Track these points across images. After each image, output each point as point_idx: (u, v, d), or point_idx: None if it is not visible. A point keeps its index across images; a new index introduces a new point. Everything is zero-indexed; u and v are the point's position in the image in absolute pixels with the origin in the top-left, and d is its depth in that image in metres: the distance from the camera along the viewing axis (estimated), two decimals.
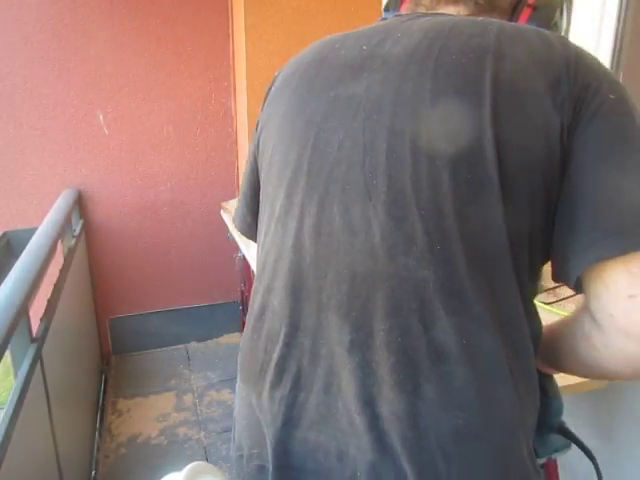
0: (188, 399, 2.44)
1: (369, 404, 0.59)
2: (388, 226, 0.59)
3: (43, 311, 1.51)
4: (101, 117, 2.48)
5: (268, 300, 0.68)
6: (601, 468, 1.60)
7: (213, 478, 0.67)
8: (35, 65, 2.32)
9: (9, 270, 1.38)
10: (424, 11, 0.72)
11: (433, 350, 0.58)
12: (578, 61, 0.59)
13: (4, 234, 2.31)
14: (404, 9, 0.76)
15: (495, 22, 0.64)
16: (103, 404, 2.39)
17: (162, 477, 0.69)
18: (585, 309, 0.60)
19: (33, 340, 1.34)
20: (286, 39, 2.36)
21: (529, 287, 0.62)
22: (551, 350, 0.71)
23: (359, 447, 0.60)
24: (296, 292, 0.65)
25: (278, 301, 0.67)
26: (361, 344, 0.60)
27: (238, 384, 0.75)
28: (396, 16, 0.73)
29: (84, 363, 2.23)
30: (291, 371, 0.65)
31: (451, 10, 0.72)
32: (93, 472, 1.95)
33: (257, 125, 0.78)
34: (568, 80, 0.58)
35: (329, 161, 0.63)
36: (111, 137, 2.52)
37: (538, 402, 0.64)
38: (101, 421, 2.26)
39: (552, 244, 0.60)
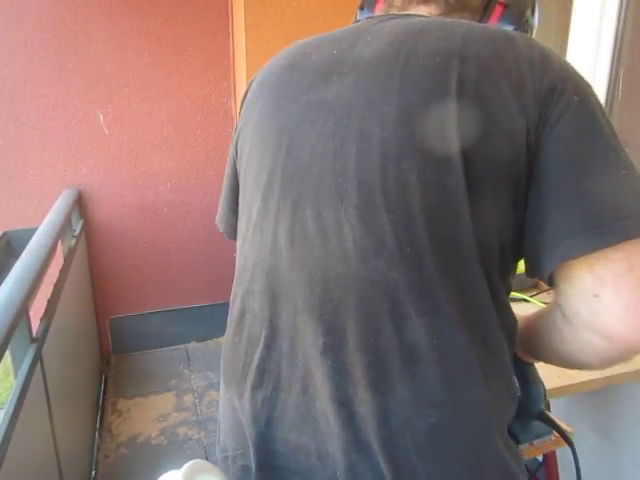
0: (188, 399, 2.44)
1: (344, 405, 0.61)
2: (359, 229, 0.60)
3: (43, 311, 1.51)
4: (101, 117, 2.48)
5: (247, 304, 0.70)
6: (601, 468, 1.60)
7: (212, 476, 0.67)
8: (35, 65, 2.32)
9: (9, 270, 1.38)
10: (396, 12, 0.73)
11: (405, 351, 0.59)
12: (543, 62, 0.59)
13: (4, 234, 2.31)
14: (378, 10, 0.76)
15: (463, 24, 0.64)
16: (103, 404, 2.39)
17: (161, 475, 0.69)
18: (557, 304, 0.62)
19: (33, 340, 1.34)
20: (286, 39, 2.36)
21: (501, 285, 0.63)
22: (528, 340, 0.73)
23: (337, 447, 0.62)
24: (274, 296, 0.66)
25: (258, 304, 0.68)
26: (334, 346, 0.61)
27: (221, 387, 0.76)
28: (368, 18, 0.73)
29: (84, 363, 2.23)
30: (272, 373, 0.66)
31: (422, 10, 0.72)
32: (93, 472, 1.95)
33: (235, 129, 0.79)
34: (533, 82, 0.58)
35: (302, 166, 0.64)
36: (111, 137, 2.52)
37: (515, 393, 0.66)
38: (101, 421, 2.26)
39: (523, 242, 0.61)
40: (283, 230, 0.65)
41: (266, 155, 0.68)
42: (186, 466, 0.65)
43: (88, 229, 2.58)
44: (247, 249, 0.70)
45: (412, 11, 0.72)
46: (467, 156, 0.57)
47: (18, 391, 1.14)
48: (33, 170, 2.43)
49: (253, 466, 0.67)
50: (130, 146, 2.56)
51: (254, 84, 0.77)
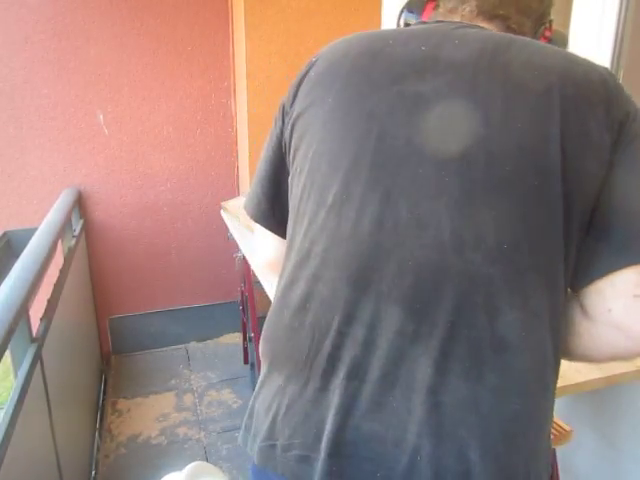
0: (188, 399, 2.44)
1: (432, 392, 0.62)
2: (458, 223, 0.62)
3: (43, 311, 1.51)
4: (101, 117, 2.48)
5: (314, 289, 0.68)
6: (601, 468, 1.60)
7: (213, 478, 0.67)
8: (35, 65, 2.32)
9: (9, 270, 1.38)
10: (461, 21, 0.76)
11: (496, 342, 0.62)
12: (618, 88, 0.66)
13: (4, 234, 2.31)
14: (427, 14, 0.80)
15: (546, 45, 0.71)
16: (103, 404, 2.39)
17: (162, 477, 0.69)
18: (576, 300, 0.67)
19: (33, 340, 1.34)
20: (286, 39, 2.36)
21: (566, 288, 0.67)
22: None
23: (419, 434, 0.62)
24: (352, 282, 0.66)
25: (329, 290, 0.67)
26: (425, 335, 0.62)
27: (268, 374, 0.74)
28: (441, 22, 0.76)
29: (84, 363, 2.23)
30: (344, 361, 0.65)
31: (486, 26, 0.76)
32: (93, 472, 1.95)
33: (286, 111, 0.77)
34: (615, 104, 0.64)
35: (397, 154, 0.65)
36: (111, 137, 2.52)
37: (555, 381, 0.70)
38: (101, 421, 2.26)
39: (579, 249, 0.65)
40: (369, 217, 0.65)
41: (349, 139, 0.68)
42: (187, 468, 0.65)
43: (88, 229, 2.58)
44: (316, 233, 0.69)
45: (479, 24, 0.76)
46: (566, 167, 0.62)
47: (18, 391, 1.14)
48: (33, 170, 2.43)
49: (320, 455, 0.66)
50: (130, 146, 2.56)
51: (318, 66, 0.75)
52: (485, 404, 0.62)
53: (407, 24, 0.82)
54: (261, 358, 0.77)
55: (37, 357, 1.31)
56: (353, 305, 0.66)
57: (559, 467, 1.40)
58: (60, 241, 1.85)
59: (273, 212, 0.81)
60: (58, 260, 1.83)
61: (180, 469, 0.66)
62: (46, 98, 2.38)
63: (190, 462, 0.70)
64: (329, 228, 0.68)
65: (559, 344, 0.66)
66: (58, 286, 1.72)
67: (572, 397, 1.52)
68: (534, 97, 0.63)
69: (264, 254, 0.86)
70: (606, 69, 0.68)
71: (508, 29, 0.76)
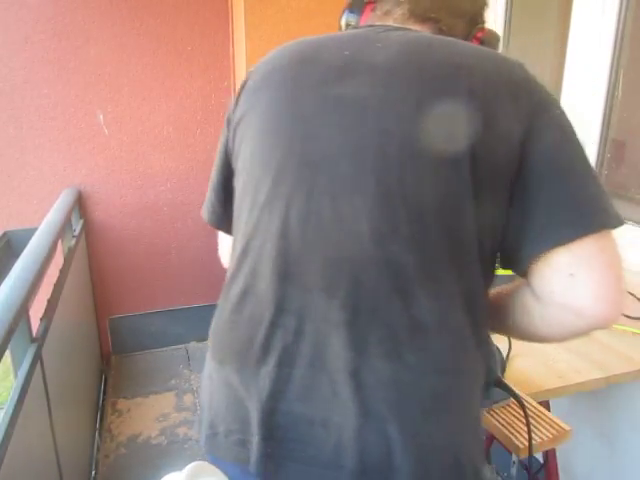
0: (188, 399, 2.44)
1: (355, 375, 0.66)
2: (376, 216, 0.66)
3: (43, 311, 1.51)
4: (101, 117, 2.48)
5: (252, 284, 0.73)
6: (601, 468, 1.60)
7: (213, 478, 0.67)
8: (35, 65, 2.32)
9: (9, 270, 1.38)
10: (394, 24, 0.80)
11: (413, 325, 0.67)
12: (531, 81, 0.70)
13: (4, 234, 2.31)
14: (366, 15, 0.85)
15: (464, 43, 0.74)
16: (103, 404, 2.39)
17: (162, 477, 0.69)
18: (526, 284, 0.71)
19: (33, 340, 1.34)
20: (286, 39, 2.35)
21: (489, 271, 0.73)
22: (492, 315, 0.81)
23: (344, 414, 0.67)
24: (282, 275, 0.70)
25: (263, 284, 0.71)
26: (349, 322, 0.67)
27: (212, 366, 0.79)
28: (370, 26, 0.80)
29: (84, 363, 2.23)
30: (276, 349, 0.70)
31: (418, 29, 0.80)
32: (93, 472, 1.95)
33: (230, 120, 0.82)
34: (526, 96, 0.68)
35: (319, 154, 0.70)
36: (111, 137, 2.52)
37: (490, 364, 0.77)
38: (101, 421, 2.26)
39: (505, 235, 0.69)
40: (296, 213, 0.69)
41: (278, 142, 0.72)
42: (188, 468, 0.65)
43: (88, 229, 2.58)
44: (251, 231, 0.73)
45: (410, 27, 0.80)
46: (473, 156, 0.65)
47: (18, 391, 1.14)
48: (33, 170, 2.43)
49: (256, 439, 0.70)
50: (130, 146, 2.56)
51: (256, 74, 0.80)
52: (404, 383, 0.66)
53: (348, 24, 0.87)
54: (208, 351, 0.82)
55: (37, 357, 1.31)
56: (283, 297, 0.70)
57: (559, 467, 1.40)
58: (60, 241, 1.85)
59: (227, 216, 0.84)
60: (58, 260, 1.83)
61: (180, 469, 0.65)
62: (46, 98, 2.38)
63: (190, 462, 0.70)
64: (262, 225, 0.72)
65: (479, 324, 0.71)
66: (58, 286, 1.72)
67: (572, 397, 1.52)
68: (444, 94, 0.67)
69: (226, 256, 0.89)
70: (519, 64, 0.71)
71: (440, 31, 0.80)
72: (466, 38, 0.82)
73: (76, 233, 2.27)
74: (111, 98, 2.47)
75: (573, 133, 0.69)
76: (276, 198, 0.71)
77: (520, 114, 0.66)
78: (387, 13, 0.82)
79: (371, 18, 0.84)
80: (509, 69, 0.70)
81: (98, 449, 2.09)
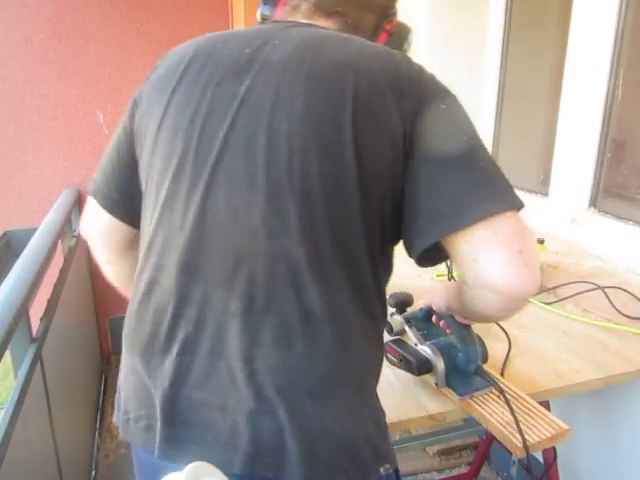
0: None
1: (249, 362, 0.70)
2: (267, 211, 0.69)
3: (43, 311, 1.51)
4: (101, 117, 2.48)
5: (156, 276, 0.76)
6: (601, 468, 1.60)
7: (213, 478, 0.67)
8: (35, 65, 2.32)
9: (9, 270, 1.38)
10: (300, 20, 0.83)
11: (303, 314, 0.70)
12: (419, 78, 0.73)
13: (4, 234, 2.31)
14: (280, 7, 0.86)
15: (358, 41, 0.76)
16: (103, 404, 2.39)
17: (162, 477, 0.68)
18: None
19: (33, 340, 1.34)
20: None
21: (381, 264, 0.76)
22: (455, 304, 0.89)
23: (239, 399, 0.70)
24: (184, 269, 0.73)
25: (167, 277, 0.74)
26: (244, 311, 0.70)
27: (124, 355, 0.82)
28: (274, 22, 0.84)
29: (84, 363, 2.23)
30: (179, 339, 0.73)
31: (324, 23, 0.82)
32: (93, 472, 1.95)
33: (133, 110, 0.84)
34: (410, 95, 0.71)
35: (214, 152, 0.72)
36: (111, 137, 2.52)
37: (382, 351, 0.80)
38: (101, 421, 2.26)
39: (402, 227, 0.74)
40: (194, 209, 0.72)
41: (177, 140, 0.75)
42: (187, 468, 0.65)
43: None
44: (155, 226, 0.76)
45: (315, 22, 0.82)
46: (358, 154, 0.69)
47: (18, 391, 1.14)
48: (33, 170, 2.43)
49: (158, 424, 0.73)
50: None
51: (162, 67, 0.83)
52: (294, 369, 0.70)
53: (263, 18, 0.88)
54: (123, 341, 0.84)
55: (37, 357, 1.31)
56: (186, 289, 0.73)
57: (559, 467, 1.40)
58: (60, 241, 1.86)
59: (123, 201, 0.86)
60: (58, 260, 1.83)
61: (180, 470, 0.65)
62: (46, 98, 2.38)
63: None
64: (164, 221, 0.75)
65: (372, 315, 0.75)
66: (58, 286, 1.72)
67: (572, 397, 1.52)
68: (331, 91, 0.70)
69: (92, 227, 0.91)
70: (406, 59, 0.75)
71: (345, 25, 0.82)
72: (374, 31, 0.85)
73: (76, 233, 2.27)
74: (111, 98, 2.47)
75: (464, 122, 0.72)
76: (176, 195, 0.74)
77: (405, 110, 0.70)
78: (295, 8, 0.84)
79: (283, 13, 0.86)
80: (396, 66, 0.73)
81: (98, 449, 2.09)
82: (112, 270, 0.95)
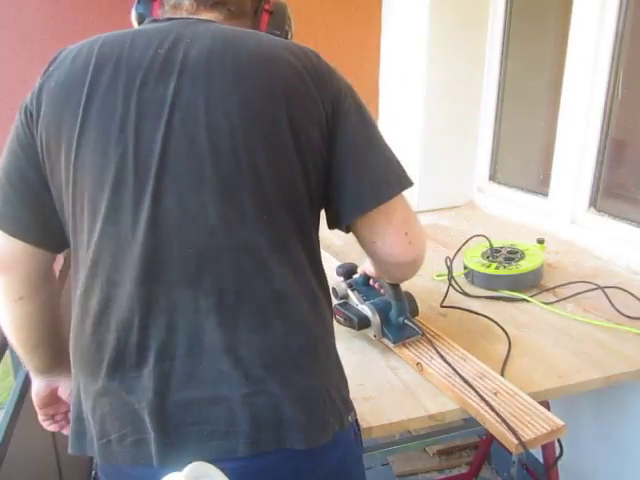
0: None
1: (232, 350, 0.73)
2: (222, 207, 0.72)
3: None
4: None
5: (112, 293, 0.74)
6: (601, 468, 1.61)
7: (213, 478, 0.67)
8: (35, 65, 2.32)
9: None
10: (186, 15, 0.83)
11: (275, 295, 0.75)
12: (331, 72, 0.80)
13: None
14: (157, 7, 0.87)
15: (264, 35, 0.82)
16: None
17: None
18: None
19: None
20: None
21: (318, 235, 0.85)
22: (374, 269, 1.05)
23: (230, 387, 0.73)
24: (144, 279, 0.72)
25: (125, 292, 0.73)
26: (217, 306, 0.72)
27: (82, 380, 0.78)
28: (171, 19, 0.82)
29: None
30: (152, 348, 0.73)
31: (209, 16, 0.83)
32: (93, 472, 1.95)
33: (28, 117, 0.78)
34: (328, 85, 0.78)
35: (155, 157, 0.71)
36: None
37: (331, 311, 0.89)
38: None
39: (327, 202, 0.82)
40: (144, 218, 0.71)
41: (109, 150, 0.72)
42: (187, 468, 0.65)
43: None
44: (98, 243, 0.73)
45: (201, 16, 0.83)
46: (296, 140, 0.75)
47: (18, 391, 1.15)
48: None
49: (152, 435, 0.72)
50: None
51: (60, 75, 0.79)
52: (276, 347, 0.75)
53: (140, 19, 0.91)
54: (74, 370, 0.80)
55: None
56: (149, 299, 0.72)
57: (559, 467, 1.40)
58: None
59: (37, 224, 0.81)
60: (58, 260, 1.82)
61: (180, 470, 0.66)
62: None
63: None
64: (110, 236, 0.73)
65: (324, 285, 0.84)
66: (58, 285, 1.71)
67: (572, 397, 1.52)
68: (263, 86, 0.74)
69: (2, 259, 0.83)
70: (316, 55, 0.81)
71: (229, 12, 0.85)
72: (255, 13, 0.89)
73: None
74: None
75: (368, 115, 0.82)
76: (119, 207, 0.72)
77: (326, 100, 0.77)
78: (176, 6, 0.84)
79: (160, 11, 0.86)
80: (310, 59, 0.79)
81: None
82: (20, 308, 0.85)
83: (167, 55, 0.74)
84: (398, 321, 1.16)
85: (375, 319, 1.17)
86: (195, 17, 0.82)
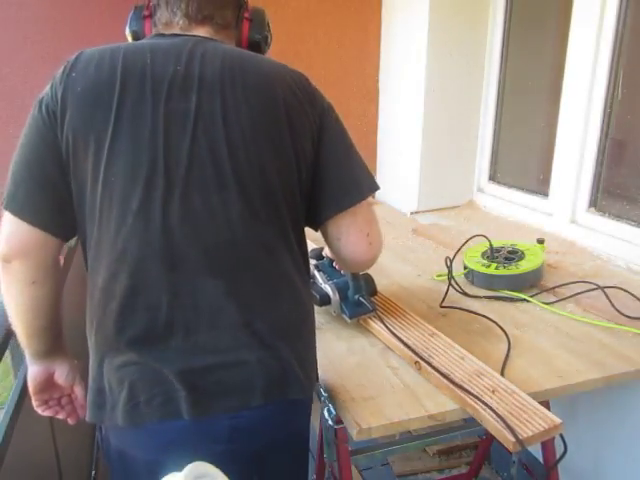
0: None
1: (248, 324, 0.88)
2: (241, 206, 0.86)
3: None
4: None
5: (138, 281, 0.85)
6: (601, 468, 1.60)
7: (213, 478, 0.67)
8: (35, 65, 2.32)
9: None
10: (180, 32, 0.95)
11: (283, 279, 0.92)
12: (314, 90, 0.96)
13: None
14: (148, 25, 1.00)
15: (263, 57, 0.97)
16: None
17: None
18: None
19: None
20: (286, 39, 2.36)
21: (302, 225, 0.98)
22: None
23: (248, 353, 0.88)
24: (170, 267, 0.84)
25: (153, 278, 0.85)
26: (234, 288, 0.87)
27: (107, 357, 0.88)
28: (176, 35, 0.94)
29: (84, 362, 2.22)
30: (179, 325, 0.85)
31: (201, 31, 0.96)
32: (93, 472, 1.95)
33: (51, 116, 0.85)
34: (314, 103, 0.94)
35: (183, 162, 0.84)
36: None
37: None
38: None
39: (309, 200, 0.96)
40: (174, 213, 0.84)
41: (141, 152, 0.83)
42: (187, 468, 0.65)
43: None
44: (128, 235, 0.84)
45: (195, 31, 0.95)
46: (295, 148, 0.90)
47: (18, 391, 1.14)
48: None
49: (182, 393, 0.85)
50: None
51: (87, 81, 0.85)
52: (284, 320, 0.92)
53: (135, 33, 1.04)
54: (94, 347, 0.91)
55: None
56: (175, 285, 0.85)
57: (559, 466, 1.40)
58: None
59: (53, 215, 0.88)
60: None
61: (180, 470, 0.66)
62: None
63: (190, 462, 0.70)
64: (139, 230, 0.84)
65: (307, 268, 1.02)
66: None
67: (572, 397, 1.52)
68: (267, 101, 0.89)
69: (20, 246, 0.88)
70: (304, 76, 0.96)
71: (217, 25, 0.97)
72: (237, 22, 1.01)
73: None
74: None
75: (345, 128, 0.98)
76: (152, 205, 0.83)
77: (315, 115, 0.92)
78: (168, 24, 0.96)
79: (155, 29, 0.98)
80: (301, 80, 0.94)
81: (98, 449, 2.09)
82: (33, 292, 0.91)
83: (186, 71, 0.86)
84: (354, 298, 1.29)
85: (334, 297, 1.31)
86: (193, 33, 0.95)
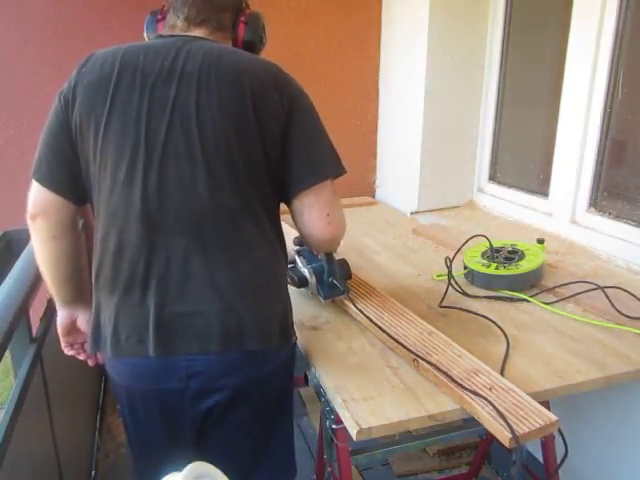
0: None
1: (211, 281, 1.02)
2: (207, 178, 1.00)
3: (43, 311, 1.51)
4: None
5: (125, 237, 1.03)
6: (601, 468, 1.60)
7: (213, 478, 0.67)
8: (35, 65, 2.32)
9: (9, 270, 1.38)
10: (180, 33, 1.11)
11: (244, 244, 1.05)
12: (287, 79, 1.08)
13: (4, 234, 2.31)
14: (162, 26, 1.17)
15: (242, 52, 1.10)
16: (103, 404, 2.39)
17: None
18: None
19: (33, 340, 1.35)
20: (286, 39, 2.36)
21: (278, 205, 1.14)
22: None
23: (208, 305, 1.02)
24: (149, 228, 1.01)
25: (135, 236, 1.01)
26: (201, 249, 1.02)
27: (102, 295, 1.07)
28: (173, 36, 1.10)
29: (84, 363, 2.23)
30: (155, 276, 1.02)
31: (198, 32, 1.11)
32: (93, 472, 1.95)
33: (68, 103, 1.06)
34: (285, 91, 1.05)
35: (160, 140, 1.00)
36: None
37: (286, 261, 1.21)
38: (101, 421, 2.26)
39: (281, 179, 1.08)
40: (152, 183, 1.00)
41: (127, 132, 1.00)
42: (187, 468, 0.65)
43: (88, 229, 2.57)
44: (117, 199, 1.02)
45: (192, 33, 1.11)
46: (260, 130, 1.02)
47: (18, 391, 1.14)
48: None
49: (152, 335, 1.01)
50: None
51: (92, 76, 1.05)
52: (244, 281, 1.05)
53: (150, 38, 1.18)
54: (95, 290, 1.10)
55: (37, 357, 1.31)
56: (153, 242, 1.01)
57: (559, 468, 1.40)
58: None
59: (68, 184, 1.08)
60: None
61: (180, 469, 0.66)
62: (46, 98, 2.37)
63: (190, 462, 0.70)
64: (124, 196, 1.01)
65: (281, 238, 1.15)
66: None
67: (572, 397, 1.52)
68: (235, 91, 1.01)
69: (44, 207, 1.09)
70: (277, 67, 1.08)
71: (213, 27, 1.12)
72: (234, 26, 1.16)
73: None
74: None
75: (316, 115, 1.09)
76: (134, 174, 1.00)
77: (283, 101, 1.04)
78: (174, 26, 1.13)
79: (165, 29, 1.15)
80: (272, 72, 1.06)
81: (98, 449, 2.09)
82: (54, 246, 1.12)
83: (170, 66, 1.02)
84: (329, 282, 1.38)
85: (311, 279, 1.42)
86: (189, 34, 1.10)
